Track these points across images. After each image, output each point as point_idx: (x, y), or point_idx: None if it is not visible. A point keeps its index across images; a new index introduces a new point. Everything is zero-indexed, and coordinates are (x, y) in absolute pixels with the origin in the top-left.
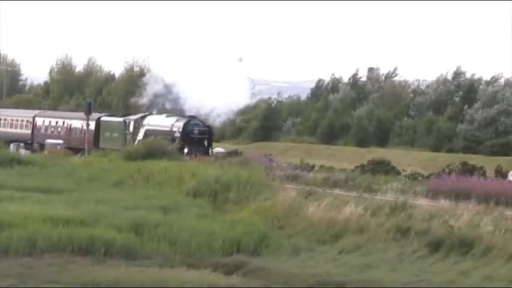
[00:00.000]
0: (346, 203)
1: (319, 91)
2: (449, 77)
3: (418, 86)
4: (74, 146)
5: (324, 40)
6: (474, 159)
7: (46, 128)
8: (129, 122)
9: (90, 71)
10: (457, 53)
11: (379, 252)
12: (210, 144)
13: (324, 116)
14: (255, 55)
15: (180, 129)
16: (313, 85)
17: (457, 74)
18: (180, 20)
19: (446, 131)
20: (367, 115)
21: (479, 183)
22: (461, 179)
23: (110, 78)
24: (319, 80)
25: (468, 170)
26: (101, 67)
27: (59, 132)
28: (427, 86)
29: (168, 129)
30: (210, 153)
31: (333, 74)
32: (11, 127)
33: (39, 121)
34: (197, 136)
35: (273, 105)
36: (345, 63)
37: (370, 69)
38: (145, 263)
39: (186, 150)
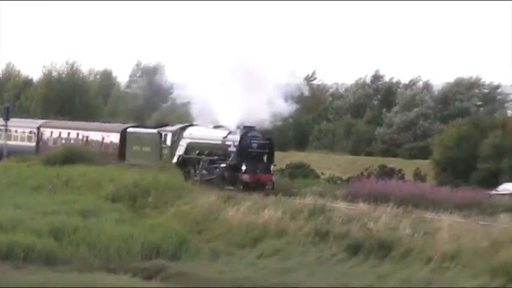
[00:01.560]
0: (265, 206)
1: None
2: (368, 81)
3: (336, 89)
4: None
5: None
6: (393, 163)
7: (55, 140)
8: (166, 135)
9: (9, 75)
10: (376, 57)
11: (298, 256)
12: (271, 160)
13: None
14: (173, 59)
15: (236, 143)
16: None
17: (376, 77)
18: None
19: (365, 135)
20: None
21: (397, 186)
22: (380, 182)
23: (28, 83)
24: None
25: (387, 173)
26: (19, 72)
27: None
28: (346, 90)
29: (219, 142)
30: (272, 171)
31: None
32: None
33: (46, 133)
34: (256, 150)
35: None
36: None
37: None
38: (65, 267)
39: (244, 167)
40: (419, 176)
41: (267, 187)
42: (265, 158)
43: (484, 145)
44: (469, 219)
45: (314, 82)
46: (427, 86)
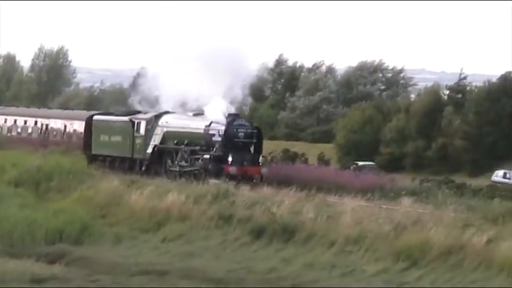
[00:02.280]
0: (169, 191)
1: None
2: (272, 65)
3: None
4: None
5: (146, 27)
6: (296, 147)
7: (10, 129)
8: (139, 123)
9: None
10: (279, 41)
11: (202, 240)
12: (259, 151)
13: None
14: (77, 43)
15: (222, 132)
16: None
17: (279, 61)
18: None
19: (268, 119)
20: None
21: (301, 170)
22: (283, 166)
23: None
24: (142, 68)
25: (290, 157)
26: None
27: (29, 135)
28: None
29: (201, 131)
30: (261, 164)
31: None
32: None
33: None
34: (242, 140)
35: (96, 93)
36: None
37: None
38: None
39: (230, 159)
40: (322, 160)
41: (254, 180)
42: (252, 148)
43: (387, 129)
44: (372, 203)
45: None
46: (330, 70)
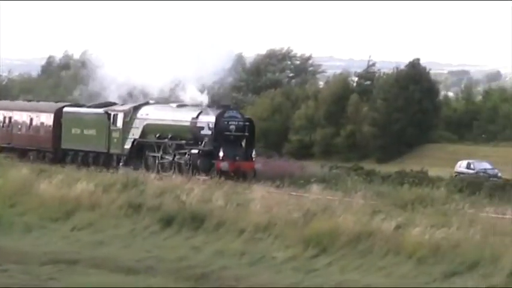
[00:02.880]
0: (78, 180)
1: (51, 68)
2: None
3: None
4: (18, 146)
5: (56, 18)
6: None
7: None
8: (116, 115)
9: None
10: None
11: (112, 229)
12: (251, 145)
13: (56, 93)
14: None
15: (212, 125)
16: (44, 62)
17: None
18: None
19: None
20: None
21: None
22: None
23: None
24: (50, 57)
25: None
26: None
27: None
28: None
29: (188, 124)
30: (254, 158)
31: (65, 51)
32: None
33: None
34: (234, 134)
35: (4, 82)
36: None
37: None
38: None
39: (221, 154)
40: None
41: (248, 176)
42: (243, 142)
43: (296, 116)
44: (281, 191)
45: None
46: (239, 59)
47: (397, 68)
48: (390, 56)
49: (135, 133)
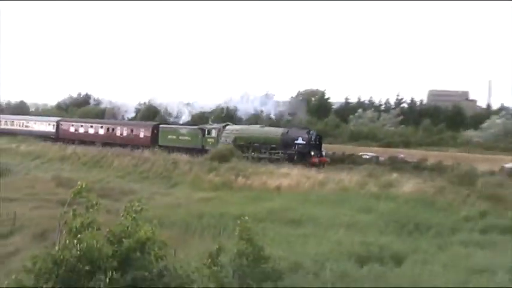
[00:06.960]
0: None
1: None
2: None
3: None
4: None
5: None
6: None
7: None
8: (210, 130)
9: None
10: None
11: None
12: (321, 148)
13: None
14: None
15: (305, 138)
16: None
17: None
18: None
19: None
20: None
21: None
22: None
23: None
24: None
25: None
26: None
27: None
28: None
29: (279, 136)
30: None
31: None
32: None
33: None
34: (315, 143)
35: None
36: None
37: None
38: None
39: (312, 153)
40: None
41: (325, 165)
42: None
43: None
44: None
45: None
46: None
47: None
48: None
49: (227, 140)
